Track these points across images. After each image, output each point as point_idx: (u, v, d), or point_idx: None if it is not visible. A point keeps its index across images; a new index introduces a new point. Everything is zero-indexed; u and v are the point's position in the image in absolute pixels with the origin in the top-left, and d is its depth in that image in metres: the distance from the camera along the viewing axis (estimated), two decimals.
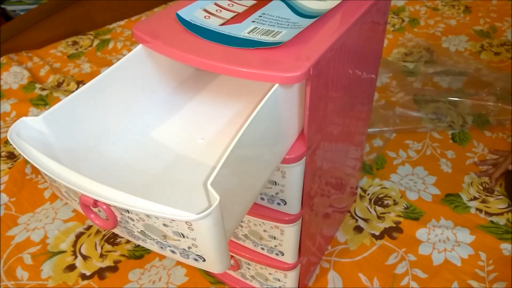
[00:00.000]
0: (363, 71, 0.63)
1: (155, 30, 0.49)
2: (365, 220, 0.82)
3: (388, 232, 0.79)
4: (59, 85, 1.21)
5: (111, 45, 1.38)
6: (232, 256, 0.68)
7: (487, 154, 0.95)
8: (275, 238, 0.60)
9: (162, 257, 0.77)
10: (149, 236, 0.39)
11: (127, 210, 0.36)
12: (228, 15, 0.51)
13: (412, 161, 0.94)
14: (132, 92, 0.51)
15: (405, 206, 0.84)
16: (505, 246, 0.76)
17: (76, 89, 1.18)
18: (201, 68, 0.44)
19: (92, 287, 0.74)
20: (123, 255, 0.78)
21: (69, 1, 1.47)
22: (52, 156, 0.41)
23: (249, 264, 0.68)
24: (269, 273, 0.67)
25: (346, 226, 0.81)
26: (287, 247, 0.60)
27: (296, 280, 0.67)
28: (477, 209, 0.83)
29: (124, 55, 1.36)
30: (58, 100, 1.13)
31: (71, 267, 0.77)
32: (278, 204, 0.56)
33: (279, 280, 0.67)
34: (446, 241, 0.77)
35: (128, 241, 0.80)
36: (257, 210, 0.57)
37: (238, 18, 0.51)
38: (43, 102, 1.14)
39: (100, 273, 0.76)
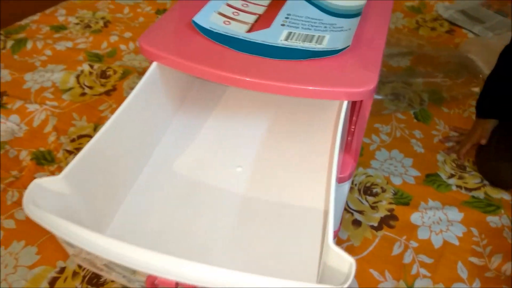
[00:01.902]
0: None
1: (170, 44, 0.41)
2: (360, 212, 0.81)
3: (385, 222, 0.79)
4: None
5: (29, 46, 1.19)
6: None
7: (449, 132, 0.99)
8: None
9: None
10: None
11: None
12: (250, 18, 0.44)
13: (386, 144, 0.95)
14: (147, 121, 0.42)
15: (393, 192, 0.84)
16: (490, 219, 0.80)
17: (0, 102, 1.01)
18: (245, 88, 0.37)
19: None
20: None
21: None
22: (79, 222, 0.31)
23: None
24: None
25: (344, 221, 0.79)
26: None
27: None
28: (457, 186, 0.86)
29: (47, 56, 1.18)
30: None
31: None
32: None
33: None
34: (440, 222, 0.79)
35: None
36: None
37: (263, 21, 0.44)
38: None
39: None
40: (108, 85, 1.08)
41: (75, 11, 1.36)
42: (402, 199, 0.83)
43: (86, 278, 0.70)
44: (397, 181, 0.86)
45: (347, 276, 0.27)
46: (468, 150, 0.91)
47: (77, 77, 1.09)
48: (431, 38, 1.27)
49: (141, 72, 1.10)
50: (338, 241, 0.76)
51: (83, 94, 1.05)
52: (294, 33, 0.42)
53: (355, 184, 0.86)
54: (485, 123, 0.91)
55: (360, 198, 0.83)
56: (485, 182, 0.87)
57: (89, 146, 0.35)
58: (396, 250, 0.75)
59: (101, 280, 0.70)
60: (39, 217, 0.30)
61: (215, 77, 0.37)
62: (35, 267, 0.72)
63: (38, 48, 1.19)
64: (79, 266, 0.72)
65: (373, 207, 0.82)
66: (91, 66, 1.12)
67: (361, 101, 0.40)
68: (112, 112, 0.97)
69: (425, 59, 1.17)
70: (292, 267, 0.35)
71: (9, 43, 1.19)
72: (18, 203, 0.81)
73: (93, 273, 0.71)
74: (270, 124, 0.48)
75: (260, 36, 0.41)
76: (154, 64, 0.41)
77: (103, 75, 1.10)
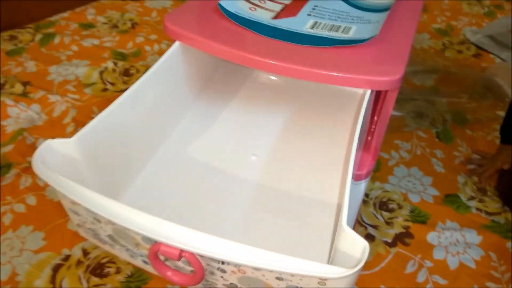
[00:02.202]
0: None
1: (195, 25, 0.40)
2: (374, 227, 0.78)
3: (400, 238, 0.76)
4: (1, 87, 1.03)
5: (57, 40, 1.21)
6: None
7: (471, 154, 0.96)
8: None
9: (163, 286, 0.68)
10: None
11: (222, 262, 0.28)
12: (276, 6, 0.44)
13: (406, 161, 0.92)
14: (166, 99, 0.41)
15: (410, 209, 0.82)
16: (510, 245, 0.77)
17: (23, 91, 1.02)
18: (269, 71, 0.36)
19: None
20: None
21: None
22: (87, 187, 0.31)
23: None
24: None
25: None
26: None
27: None
28: (477, 208, 0.83)
29: (73, 51, 1.20)
30: (3, 105, 0.96)
31: None
32: None
33: None
34: (457, 244, 0.76)
35: (118, 272, 0.69)
36: None
37: (289, 10, 0.43)
38: None
39: None
40: (130, 83, 1.08)
41: (104, 11, 1.38)
42: (419, 217, 0.80)
43: (90, 268, 0.69)
44: (415, 199, 0.84)
45: (359, 260, 0.25)
46: (491, 174, 0.89)
47: (101, 73, 1.10)
48: (457, 61, 1.25)
49: None
50: None
51: (105, 89, 1.06)
52: (320, 22, 0.41)
53: (371, 198, 0.84)
54: (509, 149, 0.88)
55: (375, 212, 0.81)
56: (506, 207, 0.83)
57: (104, 114, 0.35)
58: (410, 268, 0.72)
59: (104, 271, 0.69)
60: (47, 175, 0.29)
61: (237, 58, 0.37)
62: (40, 252, 0.71)
63: (65, 43, 1.21)
64: (84, 255, 0.71)
65: (388, 223, 0.79)
66: (115, 64, 1.13)
67: (384, 96, 0.38)
68: None
69: (450, 79, 1.16)
70: (301, 251, 0.33)
71: (38, 37, 1.22)
72: (30, 189, 0.81)
73: (97, 263, 0.70)
74: (289, 115, 0.47)
75: (285, 23, 0.41)
76: (177, 43, 0.40)
77: (126, 73, 1.11)
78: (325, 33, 0.40)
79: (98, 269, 0.69)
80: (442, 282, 0.70)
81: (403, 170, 0.90)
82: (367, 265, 0.72)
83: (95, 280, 0.68)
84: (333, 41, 0.38)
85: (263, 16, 0.42)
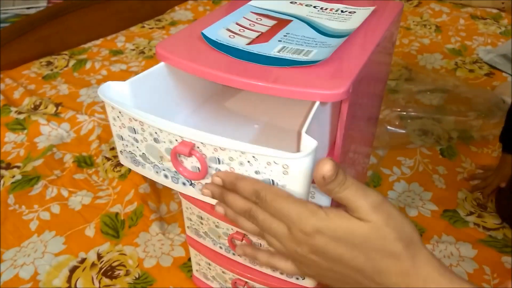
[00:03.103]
0: (377, 90, 0.64)
1: (180, 49, 0.48)
2: None
3: None
4: (35, 107, 1.15)
5: (88, 65, 1.33)
6: (246, 282, 0.65)
7: (475, 169, 0.98)
8: None
9: None
10: None
11: (218, 160, 0.38)
12: (252, 34, 0.50)
13: (407, 177, 0.95)
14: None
15: None
16: (506, 259, 0.78)
17: (55, 111, 1.13)
18: (236, 87, 0.43)
19: None
20: None
21: (41, 21, 1.41)
22: None
23: None
24: None
25: None
26: None
27: None
28: (474, 223, 0.85)
29: (103, 76, 1.31)
30: (37, 124, 1.07)
31: None
32: None
33: None
34: (450, 257, 0.78)
35: (127, 274, 0.76)
36: None
37: (263, 37, 0.50)
38: (20, 127, 1.07)
39: None
40: None
41: (133, 39, 1.50)
42: None
43: (102, 270, 0.76)
44: (412, 213, 0.86)
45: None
46: (494, 189, 0.90)
47: None
48: (468, 80, 1.27)
49: None
50: None
51: None
52: (287, 47, 0.47)
53: None
54: (510, 160, 0.89)
55: None
56: (505, 224, 0.84)
57: (153, 68, 0.48)
58: None
59: (115, 273, 0.76)
60: (109, 99, 0.42)
61: (211, 76, 0.44)
62: (60, 255, 0.79)
63: (96, 68, 1.33)
64: (98, 259, 0.78)
65: None
66: None
67: (346, 107, 0.44)
68: None
69: (459, 98, 1.17)
70: None
71: (71, 62, 1.35)
72: (55, 199, 0.90)
73: (109, 266, 0.77)
74: (262, 128, 0.55)
75: (257, 48, 0.47)
76: (162, 63, 0.48)
77: None
78: (288, 55, 0.46)
79: (110, 271, 0.76)
80: None
81: (403, 185, 0.93)
82: None
83: (105, 281, 0.75)
84: (293, 62, 0.44)
85: (239, 42, 0.48)
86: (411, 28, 1.55)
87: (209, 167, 0.40)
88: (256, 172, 0.37)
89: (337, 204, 0.36)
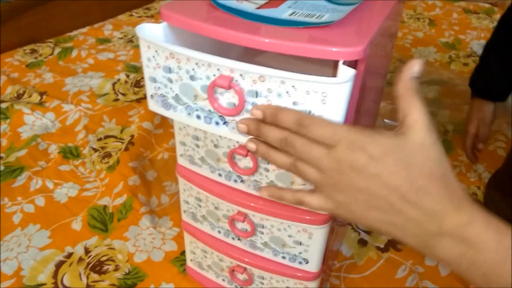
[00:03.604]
0: (384, 64, 0.62)
1: (186, 11, 0.45)
2: (367, 232, 0.80)
3: (392, 244, 0.77)
4: (19, 96, 1.10)
5: (74, 54, 1.28)
6: (244, 269, 0.63)
7: (472, 163, 0.96)
8: (300, 243, 0.56)
9: (157, 284, 0.70)
10: None
11: (256, 93, 0.40)
12: (260, 1, 0.49)
13: None
14: None
15: None
16: None
17: (40, 100, 1.08)
18: (249, 45, 0.41)
19: None
20: (113, 285, 0.70)
21: (24, 8, 1.36)
22: None
23: (263, 278, 0.63)
24: (287, 287, 0.63)
25: (349, 240, 0.78)
26: (313, 253, 0.56)
27: None
28: None
29: (89, 64, 1.26)
30: (20, 113, 1.02)
31: None
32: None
33: None
34: None
35: (117, 269, 0.72)
36: (287, 210, 0.53)
37: (272, 3, 0.49)
38: (3, 116, 1.02)
39: None
40: (140, 94, 1.13)
41: (121, 27, 1.46)
42: None
43: (90, 265, 0.73)
44: None
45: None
46: (471, 137, 0.88)
47: (113, 84, 1.16)
48: (462, 73, 1.26)
49: None
50: (341, 258, 0.75)
51: (116, 100, 1.11)
52: (298, 12, 0.46)
53: None
54: (480, 108, 0.88)
55: None
56: None
57: None
58: (400, 273, 0.73)
59: (103, 268, 0.72)
60: (147, 37, 0.42)
61: (221, 35, 0.42)
62: (45, 249, 0.75)
63: (82, 56, 1.28)
64: (86, 253, 0.75)
65: None
66: (128, 76, 1.19)
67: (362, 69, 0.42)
68: (140, 117, 1.02)
69: (453, 91, 1.16)
70: None
71: (57, 50, 1.30)
72: (40, 191, 0.85)
73: (97, 261, 0.73)
74: None
75: (267, 12, 0.46)
76: (164, 23, 0.45)
77: (137, 84, 1.17)
78: (301, 18, 0.44)
79: (98, 266, 0.73)
80: (432, 287, 0.71)
81: None
82: (358, 269, 0.73)
83: (94, 276, 0.71)
84: (306, 23, 0.43)
85: (248, 7, 0.47)
86: (404, 21, 1.54)
87: (246, 101, 0.41)
88: (294, 103, 0.39)
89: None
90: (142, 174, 0.90)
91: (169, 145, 0.98)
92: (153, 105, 0.48)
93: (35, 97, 1.09)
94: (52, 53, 1.29)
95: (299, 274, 0.59)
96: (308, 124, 0.36)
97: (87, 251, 0.75)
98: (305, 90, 0.38)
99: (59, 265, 0.73)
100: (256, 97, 0.40)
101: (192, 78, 0.43)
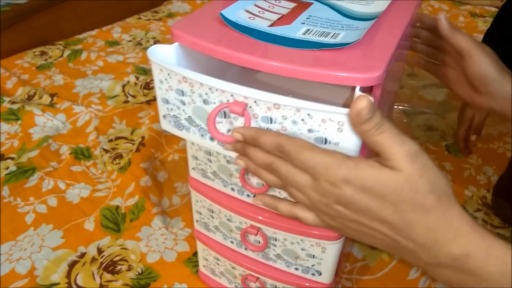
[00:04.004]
0: (398, 78, 0.62)
1: (196, 29, 0.45)
2: None
3: None
4: (29, 98, 1.11)
5: (84, 56, 1.29)
6: (257, 278, 0.63)
7: (481, 165, 0.97)
8: (314, 256, 0.56)
9: (170, 285, 0.71)
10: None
11: (270, 120, 0.39)
12: (273, 16, 0.48)
13: None
14: None
15: None
16: None
17: (50, 102, 1.09)
18: (263, 70, 0.40)
19: None
20: (127, 285, 0.70)
21: (34, 10, 1.37)
22: None
23: (275, 287, 0.63)
24: None
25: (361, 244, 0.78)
26: (326, 266, 0.56)
27: None
28: (483, 220, 0.83)
29: (99, 66, 1.27)
30: (31, 114, 1.03)
31: None
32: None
33: None
34: None
35: (130, 269, 0.73)
36: (299, 226, 0.53)
37: (285, 19, 0.47)
38: (14, 117, 1.03)
39: None
40: (150, 96, 1.14)
41: (129, 30, 1.46)
42: None
43: (103, 265, 0.73)
44: None
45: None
46: (464, 134, 0.85)
47: (123, 86, 1.17)
48: None
49: None
50: (353, 260, 0.75)
51: (126, 101, 1.12)
52: (312, 29, 0.45)
53: None
54: None
55: None
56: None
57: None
58: (413, 274, 0.73)
59: (116, 268, 0.73)
60: (159, 61, 0.42)
61: (231, 58, 0.41)
62: (58, 249, 0.75)
63: (91, 59, 1.29)
64: (98, 253, 0.75)
65: None
66: (137, 78, 1.19)
67: (378, 93, 0.42)
68: (150, 119, 1.03)
69: None
70: None
71: (66, 52, 1.30)
72: (52, 191, 0.86)
73: (110, 260, 0.74)
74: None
75: (280, 30, 0.45)
76: (176, 44, 0.45)
77: (146, 86, 1.17)
78: (315, 38, 0.43)
79: (111, 266, 0.73)
80: None
81: None
82: (371, 271, 0.73)
83: (107, 276, 0.71)
84: (321, 45, 0.41)
85: (261, 24, 0.46)
86: None
87: (260, 127, 0.40)
88: (309, 131, 0.38)
89: (368, 155, 0.34)
90: (153, 175, 0.90)
91: (179, 147, 0.98)
92: (166, 125, 0.47)
93: (46, 99, 1.10)
94: (61, 55, 1.30)
95: (312, 286, 0.59)
96: (289, 151, 0.35)
97: (100, 251, 0.75)
98: (321, 118, 0.37)
99: (72, 265, 0.73)
100: (270, 123, 0.39)
101: (205, 102, 0.42)
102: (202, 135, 0.44)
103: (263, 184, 0.51)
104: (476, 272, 0.32)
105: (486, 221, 0.83)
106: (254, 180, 0.52)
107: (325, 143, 0.38)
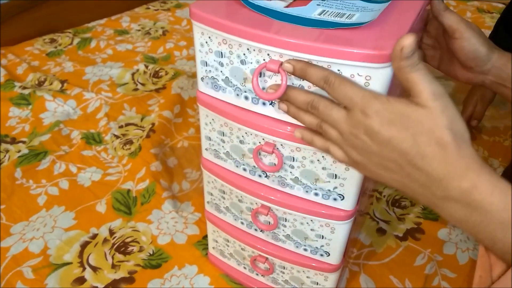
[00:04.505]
0: None
1: (215, 9, 0.46)
2: (386, 221, 0.81)
3: (411, 233, 0.79)
4: (40, 84, 1.12)
5: (93, 44, 1.30)
6: (266, 259, 0.64)
7: (488, 158, 0.97)
8: (323, 237, 0.57)
9: (181, 266, 0.72)
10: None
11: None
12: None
13: None
14: None
15: (423, 207, 0.84)
16: None
17: (61, 88, 1.10)
18: (281, 47, 0.41)
19: None
20: (138, 265, 0.72)
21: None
22: None
23: (284, 268, 0.65)
24: (307, 277, 0.64)
25: (368, 228, 0.79)
26: (334, 247, 0.57)
27: (336, 283, 0.64)
28: None
29: (108, 55, 1.27)
30: (42, 99, 1.04)
31: (80, 280, 0.69)
32: (335, 199, 0.53)
33: (317, 284, 0.64)
34: (467, 241, 0.77)
35: (141, 250, 0.74)
36: (309, 205, 0.54)
37: (301, 1, 0.49)
38: (25, 102, 1.04)
39: (114, 285, 0.69)
40: (159, 84, 1.15)
41: (138, 20, 1.47)
42: (431, 214, 0.82)
43: (115, 246, 0.74)
44: None
45: None
46: (466, 118, 0.88)
47: (133, 74, 1.18)
48: None
49: (191, 75, 1.17)
50: (360, 246, 0.77)
51: (136, 89, 1.13)
52: (328, 10, 0.46)
53: (384, 196, 0.86)
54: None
55: (387, 209, 0.84)
56: None
57: None
58: (419, 261, 0.74)
59: (128, 249, 0.74)
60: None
61: (250, 36, 0.42)
62: (70, 230, 0.77)
63: (101, 47, 1.30)
64: (110, 235, 0.76)
65: (400, 219, 0.81)
66: (146, 66, 1.20)
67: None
68: (160, 106, 1.03)
69: (468, 87, 1.17)
70: None
71: (76, 40, 1.31)
72: (64, 174, 0.87)
73: (122, 241, 0.75)
74: None
75: (296, 11, 0.46)
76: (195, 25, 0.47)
77: (156, 74, 1.18)
78: (331, 18, 0.44)
79: (123, 247, 0.74)
80: (451, 275, 0.72)
81: None
82: (377, 256, 0.75)
83: (119, 256, 0.73)
84: (337, 24, 0.43)
85: (277, 5, 0.47)
86: None
87: (293, 83, 0.43)
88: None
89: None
90: (164, 161, 0.91)
91: (188, 134, 0.99)
92: (203, 87, 0.50)
93: (56, 85, 1.11)
94: (71, 43, 1.30)
95: (320, 266, 0.60)
96: (333, 82, 0.39)
97: (111, 232, 0.76)
98: (350, 73, 0.40)
99: (84, 245, 0.74)
100: (302, 80, 0.43)
101: (242, 62, 0.45)
102: (238, 95, 0.48)
103: (274, 164, 0.52)
104: (480, 204, 0.35)
105: None
106: (266, 160, 0.53)
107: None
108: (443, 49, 0.64)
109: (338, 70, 0.40)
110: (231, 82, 0.48)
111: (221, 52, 0.46)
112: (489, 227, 0.36)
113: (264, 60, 0.44)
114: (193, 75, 1.18)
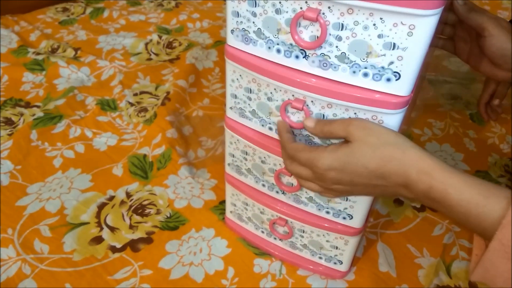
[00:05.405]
0: (435, 42, 0.62)
1: None
2: None
3: None
4: (53, 51, 1.11)
5: (106, 14, 1.28)
6: (285, 222, 0.64)
7: (505, 135, 0.97)
8: (347, 199, 0.56)
9: (198, 229, 0.72)
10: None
11: (341, 26, 0.41)
12: None
13: (438, 138, 0.94)
14: None
15: None
16: None
17: (74, 55, 1.09)
18: None
19: (126, 260, 0.67)
20: (156, 226, 0.71)
21: None
22: None
23: (303, 232, 0.64)
24: (327, 241, 0.63)
25: (385, 199, 0.79)
26: (358, 209, 0.57)
27: (355, 248, 0.64)
28: (506, 185, 0.84)
29: (121, 25, 1.25)
30: (56, 66, 1.03)
31: (98, 239, 0.69)
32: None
33: (336, 248, 0.64)
34: None
35: (158, 213, 0.73)
36: None
37: None
38: (39, 67, 1.03)
39: (132, 245, 0.69)
40: (173, 55, 1.14)
41: None
42: None
43: (133, 208, 0.74)
44: None
45: None
46: (487, 98, 0.83)
47: (146, 44, 1.16)
48: None
49: (205, 47, 1.16)
50: (377, 216, 0.76)
51: (149, 59, 1.12)
52: None
53: None
54: None
55: None
56: None
57: None
58: (437, 231, 0.74)
59: (145, 211, 0.74)
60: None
61: None
62: (87, 192, 0.76)
63: (114, 17, 1.28)
64: (127, 197, 0.76)
65: None
66: (160, 37, 1.19)
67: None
68: (174, 76, 1.02)
69: None
70: None
71: (88, 10, 1.30)
72: (79, 138, 0.87)
73: (139, 204, 0.75)
74: None
75: None
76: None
77: (169, 45, 1.17)
78: None
79: (140, 209, 0.74)
80: (469, 246, 0.72)
81: (435, 145, 0.92)
82: (395, 226, 0.74)
83: (136, 218, 0.72)
84: None
85: None
86: None
87: (329, 34, 0.42)
88: (379, 36, 0.40)
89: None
90: (179, 128, 0.91)
91: (203, 104, 0.98)
92: (233, 40, 0.49)
93: (70, 52, 1.10)
94: (83, 13, 1.29)
95: (342, 229, 0.60)
96: (291, 154, 0.48)
97: (128, 195, 0.76)
98: (393, 22, 0.39)
99: (101, 206, 0.74)
100: (341, 30, 0.41)
101: (277, 11, 0.44)
102: (269, 48, 0.48)
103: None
104: (441, 200, 0.40)
105: (510, 187, 0.83)
106: (295, 118, 0.53)
107: (393, 48, 0.40)
108: (474, 44, 0.63)
109: (381, 19, 0.39)
110: (263, 34, 0.47)
111: (255, 1, 0.45)
112: (455, 215, 0.40)
113: (301, 8, 0.42)
114: (207, 47, 1.17)
